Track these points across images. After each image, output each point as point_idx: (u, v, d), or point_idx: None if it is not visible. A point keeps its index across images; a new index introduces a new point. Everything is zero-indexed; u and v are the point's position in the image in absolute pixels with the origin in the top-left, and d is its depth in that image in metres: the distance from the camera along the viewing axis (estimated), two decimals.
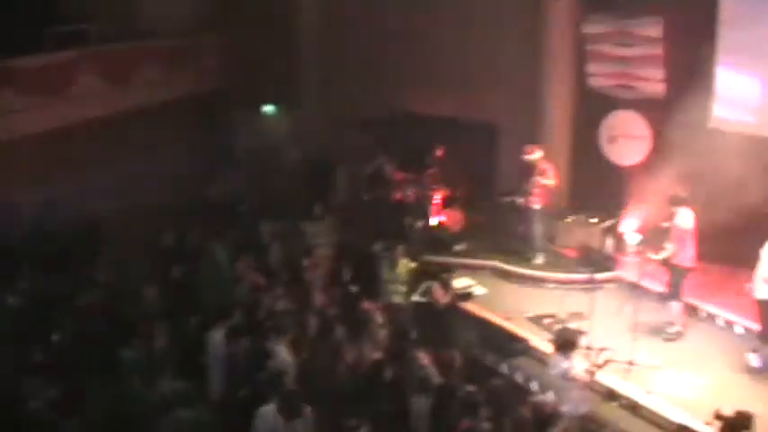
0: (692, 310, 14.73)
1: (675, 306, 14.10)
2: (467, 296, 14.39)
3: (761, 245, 13.41)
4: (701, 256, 14.58)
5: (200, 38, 20.96)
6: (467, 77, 18.73)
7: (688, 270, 14.06)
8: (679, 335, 13.96)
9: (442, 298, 13.12)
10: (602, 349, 11.65)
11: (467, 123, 18.97)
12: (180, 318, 12.39)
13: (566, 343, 10.93)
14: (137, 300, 12.90)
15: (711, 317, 14.76)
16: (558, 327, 13.43)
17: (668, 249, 13.88)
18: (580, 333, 11.53)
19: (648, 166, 16.38)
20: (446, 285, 13.41)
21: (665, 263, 14.10)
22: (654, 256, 14.23)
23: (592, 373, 11.17)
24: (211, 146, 20.44)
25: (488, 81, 18.52)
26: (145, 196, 17.22)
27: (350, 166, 19.92)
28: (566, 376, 10.70)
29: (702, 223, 14.24)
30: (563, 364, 10.78)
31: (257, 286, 13.35)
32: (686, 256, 13.96)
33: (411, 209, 17.95)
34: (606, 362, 11.62)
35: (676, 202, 13.96)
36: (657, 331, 13.97)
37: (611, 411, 11.99)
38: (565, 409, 10.55)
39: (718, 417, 9.46)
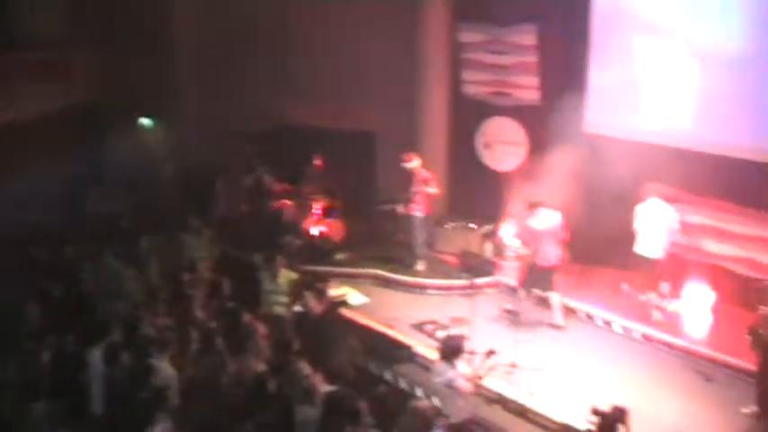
0: (570, 311, 15.04)
1: (521, 292, 14.69)
2: (341, 304, 14.34)
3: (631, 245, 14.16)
4: (578, 257, 15.01)
5: (76, 50, 20.50)
6: (344, 88, 18.74)
7: (546, 269, 14.57)
8: (516, 314, 14.28)
9: (315, 307, 13.09)
10: (489, 353, 11.70)
11: (346, 133, 18.97)
12: (61, 335, 12.08)
13: (451, 350, 10.93)
14: (17, 318, 12.56)
15: (590, 317, 15.06)
16: (441, 333, 13.51)
17: (528, 249, 14.69)
18: (464, 339, 11.56)
19: (525, 171, 16.62)
20: (320, 294, 13.36)
21: (525, 261, 14.85)
22: (521, 251, 14.97)
23: (477, 380, 11.20)
24: (90, 160, 19.99)
25: (366, 91, 18.56)
26: (22, 212, 16.74)
27: (229, 179, 19.72)
28: (451, 385, 10.72)
29: (579, 225, 14.62)
30: (448, 372, 10.78)
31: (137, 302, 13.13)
32: (544, 255, 14.51)
33: (291, 220, 17.87)
34: (491, 368, 11.67)
35: (532, 204, 14.56)
36: (538, 332, 14.26)
37: (495, 414, 12.11)
38: (448, 414, 10.56)
39: (595, 413, 9.57)
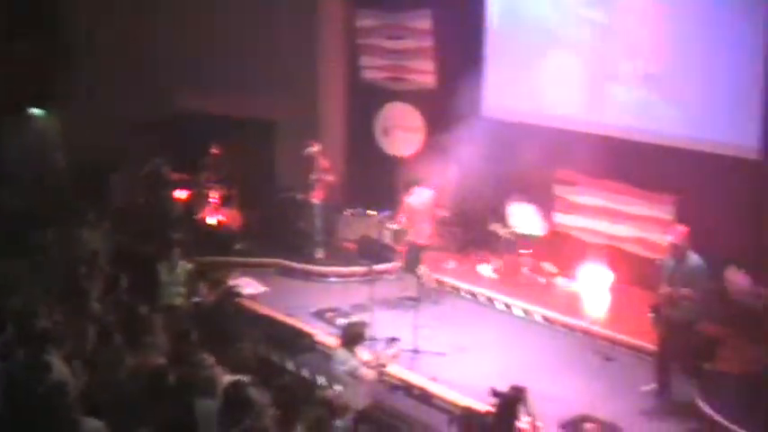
0: (471, 295, 15.36)
1: (411, 278, 14.83)
2: (235, 294, 14.20)
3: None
4: (476, 241, 15.21)
5: None
6: (243, 75, 18.46)
7: (421, 247, 14.95)
8: (417, 302, 14.23)
9: (208, 297, 12.95)
10: (392, 340, 11.70)
11: (243, 121, 18.71)
12: None
13: (352, 338, 10.90)
14: None
15: (491, 300, 15.28)
16: (341, 321, 13.47)
17: (400, 224, 15.17)
18: (365, 326, 11.53)
19: (423, 156, 16.65)
20: (214, 284, 13.21)
21: (402, 239, 15.32)
22: (391, 226, 15.44)
23: (380, 367, 11.16)
24: None
25: (264, 78, 18.32)
26: None
27: (126, 169, 19.35)
28: (353, 373, 10.67)
29: (476, 208, 14.91)
30: (351, 360, 10.72)
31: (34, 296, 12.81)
32: (419, 233, 14.89)
33: (189, 209, 17.64)
34: (395, 356, 11.64)
35: (409, 183, 14.95)
36: (440, 317, 14.33)
37: (398, 401, 12.09)
38: (351, 402, 10.51)
39: (494, 394, 9.63)
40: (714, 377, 12.15)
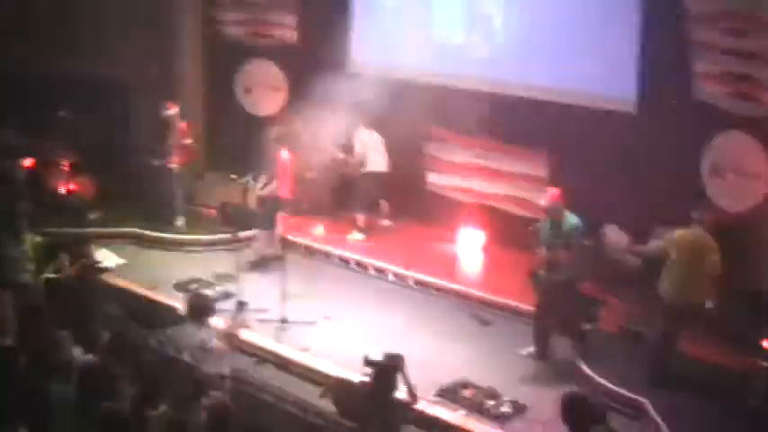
0: (343, 261, 15.10)
1: (276, 235, 14.68)
2: (100, 269, 13.52)
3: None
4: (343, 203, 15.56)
5: None
6: (90, 33, 17.53)
7: (280, 201, 14.78)
8: (279, 258, 13.93)
9: (69, 271, 12.25)
10: (240, 305, 11.27)
11: (95, 81, 17.79)
12: None
13: (198, 310, 10.39)
14: None
15: (362, 266, 14.93)
16: (208, 291, 12.96)
17: (274, 183, 14.79)
18: (209, 297, 11.15)
19: (288, 114, 16.35)
20: (74, 257, 12.51)
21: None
22: (259, 191, 15.12)
23: (233, 337, 10.69)
24: None
25: (113, 37, 17.39)
26: None
27: None
28: (204, 347, 10.14)
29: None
30: (199, 334, 10.21)
31: None
32: (285, 188, 14.69)
33: (37, 178, 16.77)
34: (244, 321, 11.25)
35: (279, 139, 14.75)
36: (310, 284, 13.90)
37: (268, 374, 11.74)
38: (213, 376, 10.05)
39: (369, 363, 9.42)
40: (594, 338, 12.07)
